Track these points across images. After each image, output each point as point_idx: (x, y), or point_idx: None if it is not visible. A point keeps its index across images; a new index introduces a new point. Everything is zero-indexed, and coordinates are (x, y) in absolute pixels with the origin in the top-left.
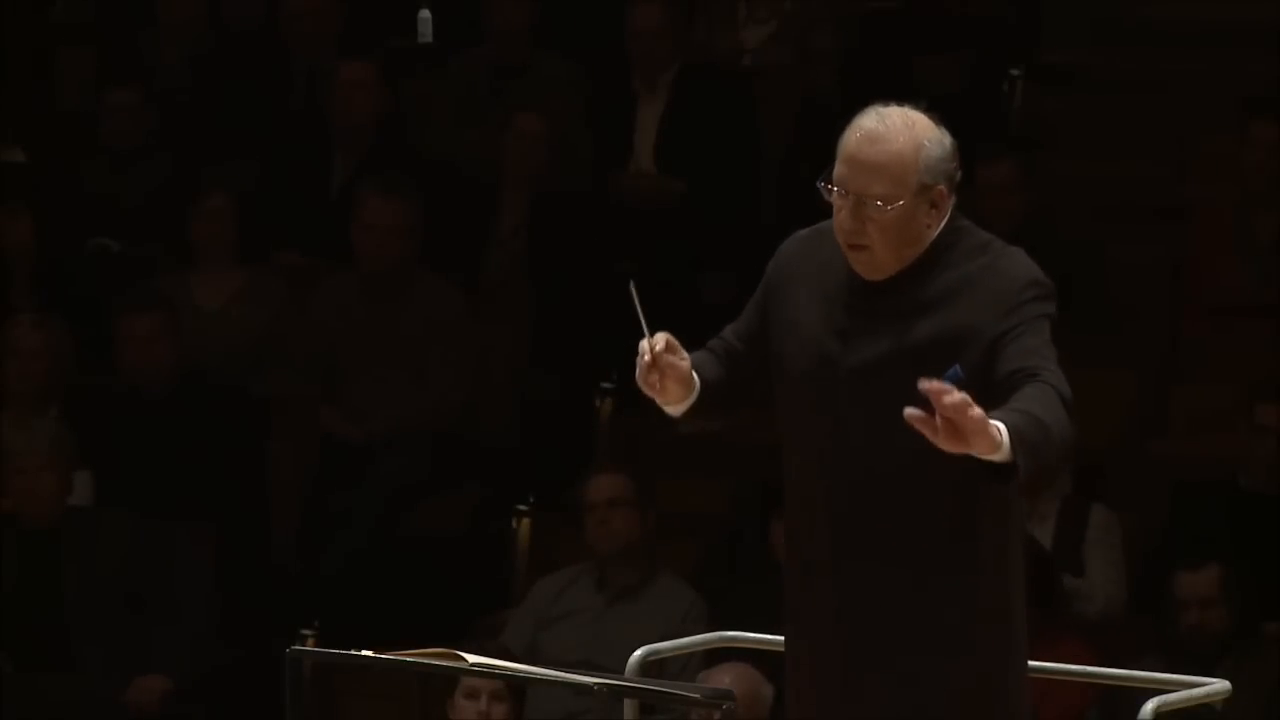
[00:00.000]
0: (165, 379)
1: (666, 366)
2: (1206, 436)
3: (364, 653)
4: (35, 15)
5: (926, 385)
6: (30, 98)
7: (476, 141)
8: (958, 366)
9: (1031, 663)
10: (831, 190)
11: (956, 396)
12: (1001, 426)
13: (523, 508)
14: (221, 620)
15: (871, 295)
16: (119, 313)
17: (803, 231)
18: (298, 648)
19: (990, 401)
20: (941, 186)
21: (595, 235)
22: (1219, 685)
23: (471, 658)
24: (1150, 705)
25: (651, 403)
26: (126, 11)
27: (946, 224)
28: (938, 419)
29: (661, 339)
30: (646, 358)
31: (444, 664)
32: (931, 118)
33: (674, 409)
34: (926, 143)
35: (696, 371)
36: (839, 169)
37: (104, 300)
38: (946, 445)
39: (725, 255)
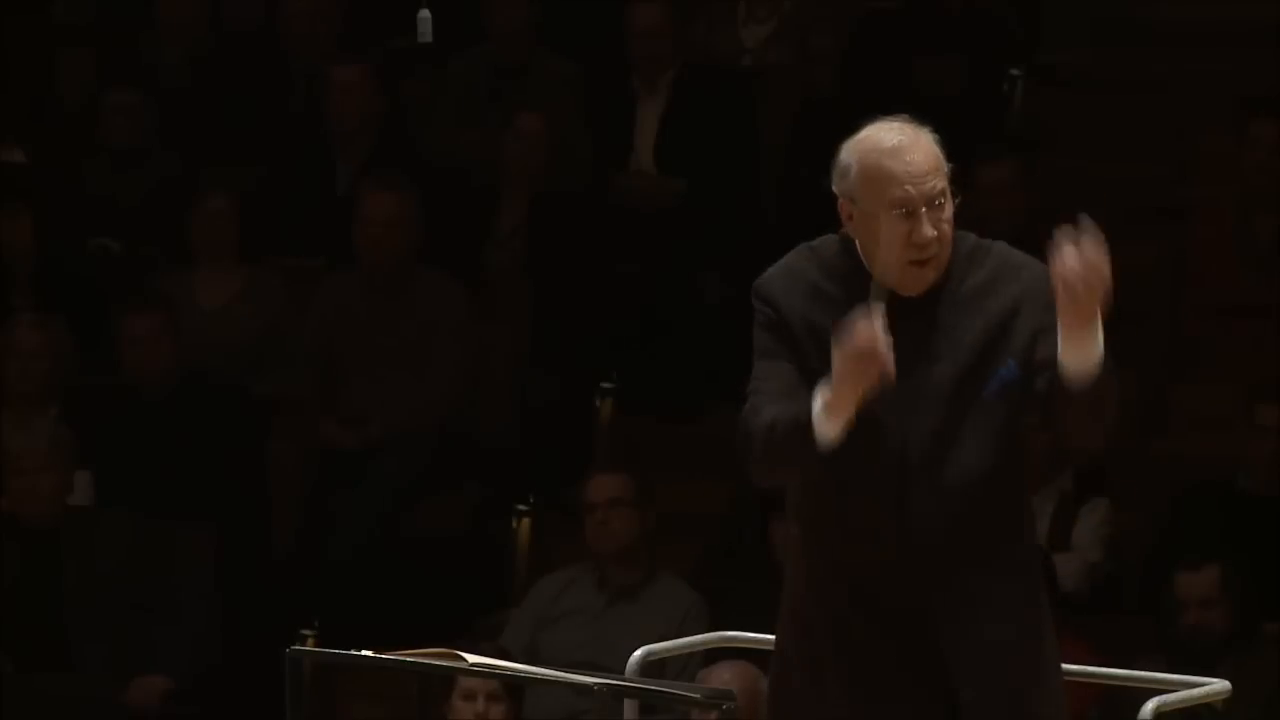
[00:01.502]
0: (165, 379)
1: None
2: (1206, 436)
3: (364, 653)
4: (35, 15)
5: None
6: (30, 98)
7: (476, 141)
8: (1012, 363)
9: None
10: (903, 213)
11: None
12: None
13: (523, 508)
14: (221, 620)
15: (903, 317)
16: (119, 313)
17: (773, 272)
18: (298, 648)
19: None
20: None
21: (595, 235)
22: (1219, 685)
23: (471, 657)
24: (1150, 705)
25: (651, 403)
26: (126, 11)
27: None
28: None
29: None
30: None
31: (444, 664)
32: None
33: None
34: (932, 133)
35: None
36: (897, 193)
37: (104, 300)
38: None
39: (725, 255)
